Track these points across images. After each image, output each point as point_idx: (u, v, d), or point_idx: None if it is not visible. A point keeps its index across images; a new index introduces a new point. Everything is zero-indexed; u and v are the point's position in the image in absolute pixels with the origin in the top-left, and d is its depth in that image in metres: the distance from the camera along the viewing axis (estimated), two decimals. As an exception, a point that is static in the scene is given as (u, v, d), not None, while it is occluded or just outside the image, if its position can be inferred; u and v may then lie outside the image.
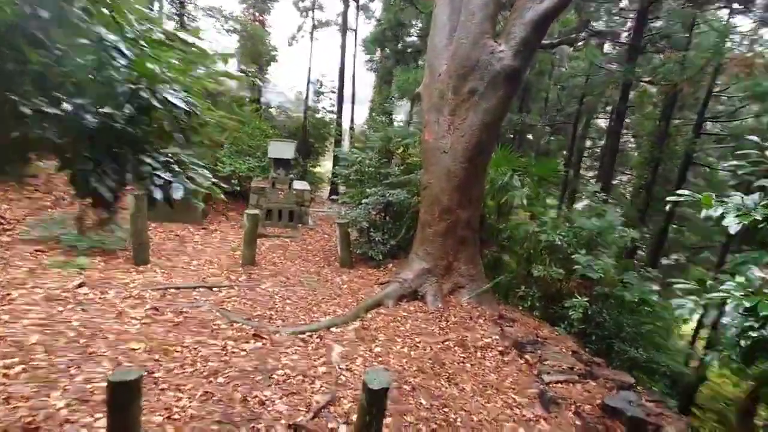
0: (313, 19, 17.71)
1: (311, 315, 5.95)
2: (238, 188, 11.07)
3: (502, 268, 8.38)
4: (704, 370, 7.74)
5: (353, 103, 21.99)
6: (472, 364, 5.17)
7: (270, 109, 16.57)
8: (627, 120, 18.21)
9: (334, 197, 11.48)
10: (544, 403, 4.40)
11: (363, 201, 7.83)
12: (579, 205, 17.50)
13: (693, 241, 15.56)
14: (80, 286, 5.48)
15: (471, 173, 6.60)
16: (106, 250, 6.98)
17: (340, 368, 4.61)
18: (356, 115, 21.45)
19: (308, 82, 15.00)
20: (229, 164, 10.74)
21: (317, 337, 5.27)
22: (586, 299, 6.37)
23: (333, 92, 16.34)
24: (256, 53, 13.61)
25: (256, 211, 7.52)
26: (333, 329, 5.55)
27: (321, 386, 4.26)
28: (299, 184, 11.55)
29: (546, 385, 4.64)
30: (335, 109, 16.38)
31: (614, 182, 17.90)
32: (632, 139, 18.62)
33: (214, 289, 6.48)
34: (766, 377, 6.89)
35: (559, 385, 4.66)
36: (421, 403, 4.29)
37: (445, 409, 4.26)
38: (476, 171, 6.67)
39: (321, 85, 15.30)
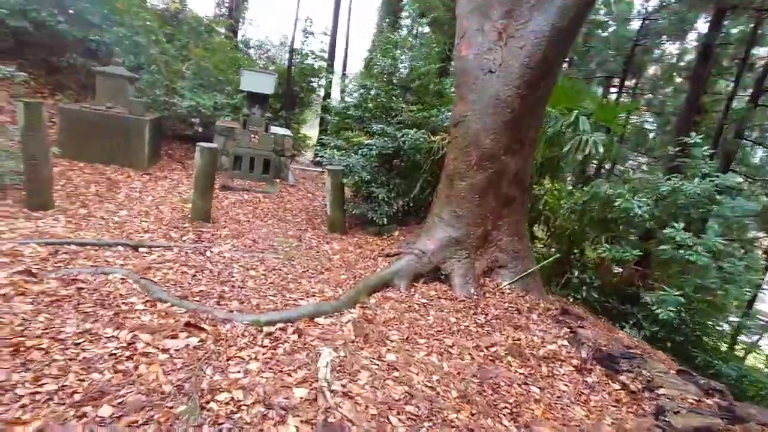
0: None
1: (286, 296, 3.89)
2: (200, 129, 8.74)
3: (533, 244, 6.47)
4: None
5: (347, 49, 19.36)
6: (540, 388, 3.22)
7: (249, 50, 14.00)
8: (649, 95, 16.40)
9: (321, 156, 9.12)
10: (691, 475, 2.49)
11: (365, 143, 5.68)
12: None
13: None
14: None
15: (529, 104, 4.55)
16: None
17: (331, 392, 2.60)
18: (350, 69, 18.82)
19: (296, 19, 12.50)
20: (189, 98, 8.39)
21: (294, 332, 3.23)
22: (677, 293, 4.49)
23: (326, 34, 13.84)
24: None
25: (215, 144, 5.33)
26: (319, 320, 3.52)
27: (297, 429, 2.27)
28: (279, 129, 9.31)
29: (680, 437, 2.73)
30: (326, 55, 13.96)
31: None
32: (650, 119, 16.85)
33: (141, 249, 4.35)
34: None
35: (701, 436, 2.76)
36: (478, 468, 2.34)
37: (524, 484, 2.33)
38: (536, 101, 4.62)
39: (311, 23, 12.86)
